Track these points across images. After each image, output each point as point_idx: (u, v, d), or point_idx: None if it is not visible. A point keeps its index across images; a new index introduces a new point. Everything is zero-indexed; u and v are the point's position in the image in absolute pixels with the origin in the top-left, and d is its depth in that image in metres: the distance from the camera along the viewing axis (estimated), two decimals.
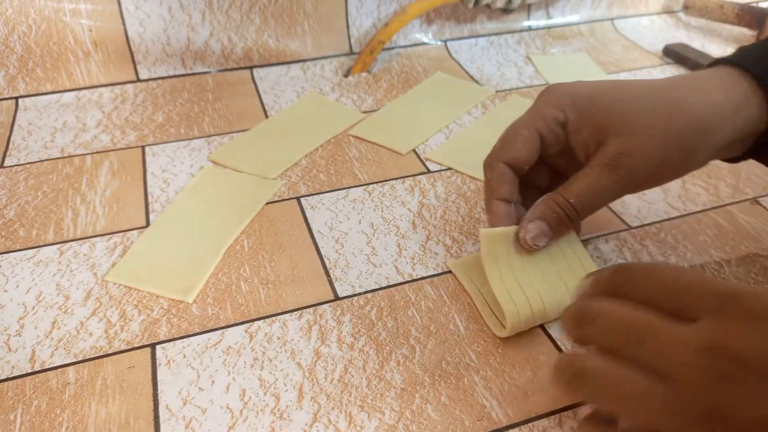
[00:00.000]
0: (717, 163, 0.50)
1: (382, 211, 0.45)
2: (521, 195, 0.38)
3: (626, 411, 0.24)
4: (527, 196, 0.38)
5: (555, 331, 0.35)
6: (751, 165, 0.50)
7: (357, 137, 0.53)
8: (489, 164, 0.37)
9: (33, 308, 0.37)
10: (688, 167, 0.34)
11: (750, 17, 0.71)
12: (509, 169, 0.36)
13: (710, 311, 0.23)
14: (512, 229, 0.35)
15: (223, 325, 0.36)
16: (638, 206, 0.45)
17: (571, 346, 0.28)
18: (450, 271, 0.39)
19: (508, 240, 0.35)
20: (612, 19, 0.76)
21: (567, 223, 0.34)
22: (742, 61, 0.34)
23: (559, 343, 0.35)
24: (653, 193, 0.47)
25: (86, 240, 0.42)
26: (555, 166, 0.38)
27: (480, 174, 0.48)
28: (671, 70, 0.66)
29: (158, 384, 0.32)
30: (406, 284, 0.39)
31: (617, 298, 0.26)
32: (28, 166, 0.49)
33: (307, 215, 0.44)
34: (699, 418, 0.22)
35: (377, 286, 0.38)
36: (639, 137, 0.32)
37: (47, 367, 0.33)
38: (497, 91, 0.61)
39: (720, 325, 0.22)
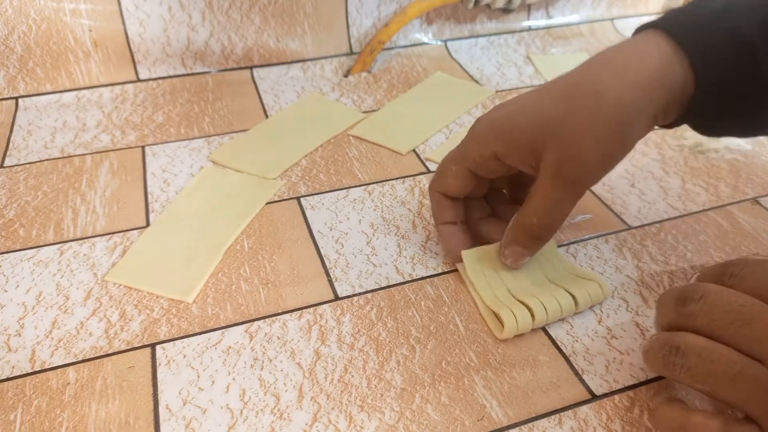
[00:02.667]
0: (717, 164, 0.50)
1: (382, 211, 0.45)
2: (489, 201, 0.40)
3: (717, 389, 0.25)
4: (495, 200, 0.40)
5: (555, 330, 0.35)
6: (751, 165, 0.50)
7: (357, 137, 0.53)
8: (429, 192, 0.39)
9: (33, 308, 0.37)
10: (628, 146, 0.33)
11: None
12: (444, 197, 0.38)
13: None
14: (492, 246, 0.38)
15: (223, 325, 0.36)
16: (638, 206, 0.45)
17: (657, 331, 0.29)
18: (450, 271, 0.39)
19: (491, 256, 0.38)
20: (612, 19, 0.76)
21: (539, 241, 0.35)
22: (662, 23, 0.32)
23: (558, 343, 0.35)
24: (653, 193, 0.47)
25: (86, 240, 0.42)
26: (508, 177, 0.39)
27: None
28: None
29: (158, 384, 0.32)
30: (406, 284, 0.39)
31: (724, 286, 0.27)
32: (28, 166, 0.49)
33: (307, 215, 0.44)
34: None
35: (377, 286, 0.38)
36: (570, 141, 0.32)
37: (47, 367, 0.33)
38: (497, 91, 0.61)
39: None
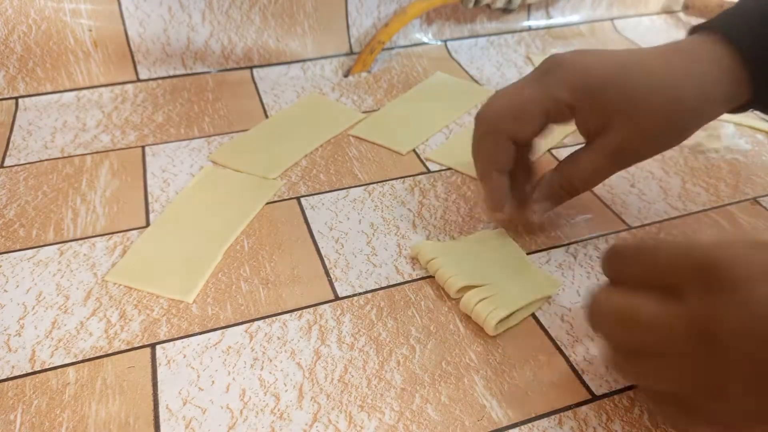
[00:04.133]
0: (717, 164, 0.50)
1: (382, 211, 0.45)
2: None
3: (654, 385, 0.27)
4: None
5: (555, 331, 0.35)
6: (751, 165, 0.50)
7: (357, 137, 0.53)
8: (493, 134, 0.37)
9: (33, 308, 0.37)
10: (677, 143, 0.37)
11: None
12: (509, 141, 0.37)
13: (691, 286, 0.24)
14: (449, 243, 0.40)
15: (223, 325, 0.36)
16: (638, 206, 0.45)
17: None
18: None
19: (446, 251, 0.39)
20: (612, 19, 0.76)
21: (566, 199, 0.38)
22: (728, 32, 0.34)
23: (558, 343, 0.35)
24: (653, 193, 0.47)
25: (86, 240, 0.42)
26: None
27: None
28: None
29: (158, 384, 0.32)
30: (406, 284, 0.39)
31: (617, 286, 0.28)
32: (28, 166, 0.49)
33: (307, 215, 0.44)
34: (694, 387, 0.24)
35: (377, 286, 0.38)
36: (643, 128, 0.34)
37: (47, 367, 0.33)
38: (497, 91, 0.61)
39: (702, 301, 0.23)
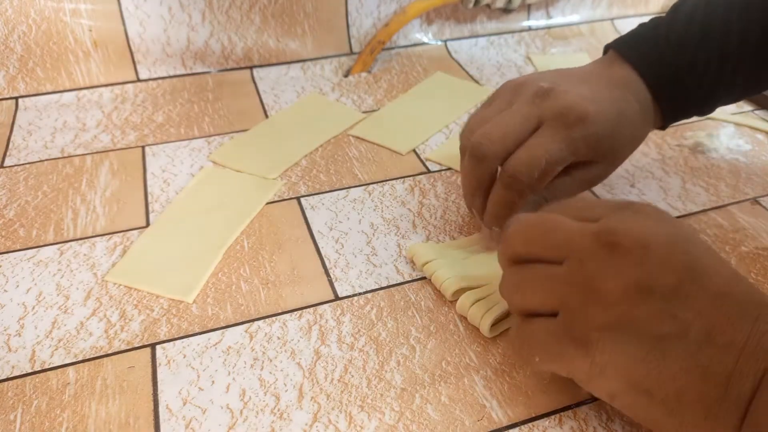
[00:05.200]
0: (717, 164, 0.50)
1: (382, 211, 0.45)
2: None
3: (534, 296, 0.28)
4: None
5: None
6: (751, 165, 0.50)
7: (357, 137, 0.53)
8: (520, 191, 0.36)
9: (33, 308, 0.37)
10: None
11: None
12: (498, 167, 0.38)
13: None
14: (444, 245, 0.40)
15: (223, 325, 0.36)
16: None
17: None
18: None
19: (441, 254, 0.39)
20: (612, 19, 0.76)
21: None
22: (645, 71, 0.39)
23: None
24: (653, 193, 0.47)
25: (86, 240, 0.42)
26: None
27: None
28: None
29: (158, 384, 0.32)
30: (406, 284, 0.39)
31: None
32: (28, 166, 0.49)
33: (307, 215, 0.44)
34: (580, 289, 0.26)
35: (377, 286, 0.38)
36: (616, 165, 0.40)
37: (47, 367, 0.33)
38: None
39: (610, 219, 0.27)
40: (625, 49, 0.40)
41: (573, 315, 0.26)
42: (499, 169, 0.36)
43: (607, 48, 0.42)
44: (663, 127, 0.42)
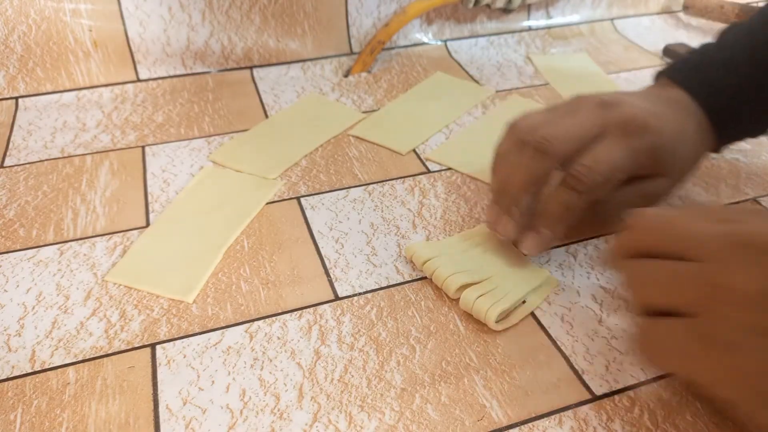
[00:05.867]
0: (717, 164, 0.50)
1: (382, 211, 0.45)
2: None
3: (663, 292, 0.28)
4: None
5: (555, 331, 0.35)
6: (751, 165, 0.50)
7: (357, 137, 0.53)
8: (581, 193, 0.36)
9: (33, 308, 0.37)
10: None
11: None
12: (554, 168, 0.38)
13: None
14: (441, 242, 0.40)
15: (223, 325, 0.36)
16: None
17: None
18: None
19: (440, 251, 0.39)
20: (612, 19, 0.76)
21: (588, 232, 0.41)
22: (698, 91, 0.40)
23: (558, 343, 0.35)
24: None
25: (86, 240, 0.42)
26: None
27: (480, 174, 0.48)
28: None
29: (158, 384, 0.32)
30: (406, 284, 0.39)
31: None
32: (28, 166, 0.49)
33: (307, 215, 0.44)
34: (714, 288, 0.25)
35: (377, 286, 0.38)
36: (674, 180, 0.40)
37: (47, 367, 0.33)
38: (497, 91, 0.61)
39: (745, 222, 0.27)
40: (675, 74, 0.41)
41: (712, 316, 0.25)
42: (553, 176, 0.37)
43: (658, 75, 0.42)
44: (716, 150, 0.42)
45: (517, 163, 0.37)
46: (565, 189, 0.35)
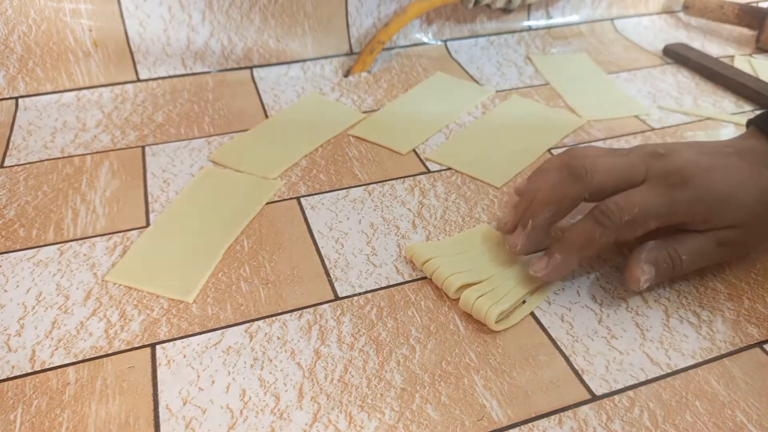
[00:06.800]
0: None
1: (382, 211, 0.45)
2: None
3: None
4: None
5: (555, 331, 0.35)
6: None
7: (357, 137, 0.53)
8: (605, 228, 0.35)
9: (33, 308, 0.37)
10: None
11: (750, 17, 0.71)
12: (615, 237, 0.36)
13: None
14: (440, 242, 0.40)
15: (223, 325, 0.36)
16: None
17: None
18: None
19: (440, 251, 0.39)
20: (612, 19, 0.76)
21: (670, 275, 0.37)
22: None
23: (558, 343, 0.35)
24: None
25: (86, 240, 0.42)
26: None
27: (480, 174, 0.48)
28: (671, 70, 0.66)
29: (158, 384, 0.32)
30: (406, 284, 0.39)
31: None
32: (28, 166, 0.49)
33: (307, 215, 0.44)
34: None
35: (377, 286, 0.38)
36: (747, 228, 0.37)
37: (47, 367, 0.33)
38: (497, 91, 0.61)
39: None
40: (763, 123, 0.40)
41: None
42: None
43: (748, 123, 0.41)
44: None
45: (550, 179, 0.37)
46: (590, 221, 0.35)
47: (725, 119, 0.56)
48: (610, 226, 0.35)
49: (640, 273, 0.35)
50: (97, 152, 0.51)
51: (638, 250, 0.36)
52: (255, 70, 0.63)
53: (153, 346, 0.34)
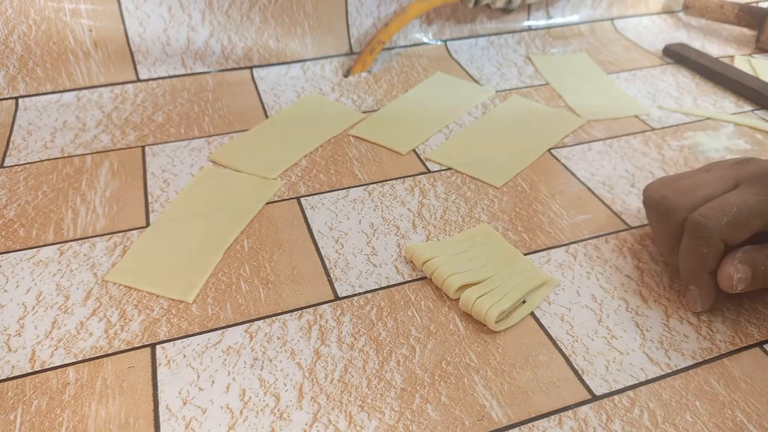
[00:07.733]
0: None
1: (382, 211, 0.45)
2: None
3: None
4: None
5: (555, 331, 0.35)
6: None
7: (357, 137, 0.53)
8: (707, 238, 0.34)
9: (33, 308, 0.37)
10: None
11: (750, 17, 0.71)
12: (722, 245, 0.34)
13: None
14: (440, 243, 0.40)
15: (223, 325, 0.36)
16: (638, 206, 0.45)
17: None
18: None
19: (440, 251, 0.39)
20: (612, 19, 0.76)
21: (766, 279, 0.34)
22: None
23: (558, 343, 0.35)
24: None
25: (86, 240, 0.42)
26: None
27: (480, 174, 0.48)
28: (671, 70, 0.66)
29: (158, 384, 0.32)
30: (406, 284, 0.39)
31: None
32: (28, 166, 0.49)
33: (307, 215, 0.44)
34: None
35: (377, 286, 0.38)
36: None
37: (47, 367, 0.33)
38: (497, 91, 0.61)
39: None
40: None
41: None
42: None
43: None
44: None
45: (653, 227, 0.38)
46: (688, 238, 0.34)
47: (725, 119, 0.56)
48: (709, 234, 0.33)
49: (734, 271, 0.33)
50: (97, 152, 0.51)
51: (735, 251, 0.34)
52: (255, 70, 0.63)
53: (153, 346, 0.34)
